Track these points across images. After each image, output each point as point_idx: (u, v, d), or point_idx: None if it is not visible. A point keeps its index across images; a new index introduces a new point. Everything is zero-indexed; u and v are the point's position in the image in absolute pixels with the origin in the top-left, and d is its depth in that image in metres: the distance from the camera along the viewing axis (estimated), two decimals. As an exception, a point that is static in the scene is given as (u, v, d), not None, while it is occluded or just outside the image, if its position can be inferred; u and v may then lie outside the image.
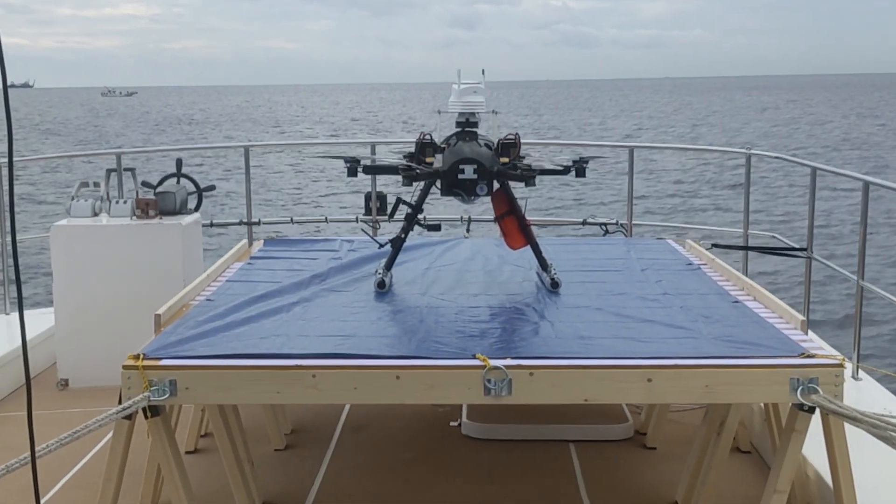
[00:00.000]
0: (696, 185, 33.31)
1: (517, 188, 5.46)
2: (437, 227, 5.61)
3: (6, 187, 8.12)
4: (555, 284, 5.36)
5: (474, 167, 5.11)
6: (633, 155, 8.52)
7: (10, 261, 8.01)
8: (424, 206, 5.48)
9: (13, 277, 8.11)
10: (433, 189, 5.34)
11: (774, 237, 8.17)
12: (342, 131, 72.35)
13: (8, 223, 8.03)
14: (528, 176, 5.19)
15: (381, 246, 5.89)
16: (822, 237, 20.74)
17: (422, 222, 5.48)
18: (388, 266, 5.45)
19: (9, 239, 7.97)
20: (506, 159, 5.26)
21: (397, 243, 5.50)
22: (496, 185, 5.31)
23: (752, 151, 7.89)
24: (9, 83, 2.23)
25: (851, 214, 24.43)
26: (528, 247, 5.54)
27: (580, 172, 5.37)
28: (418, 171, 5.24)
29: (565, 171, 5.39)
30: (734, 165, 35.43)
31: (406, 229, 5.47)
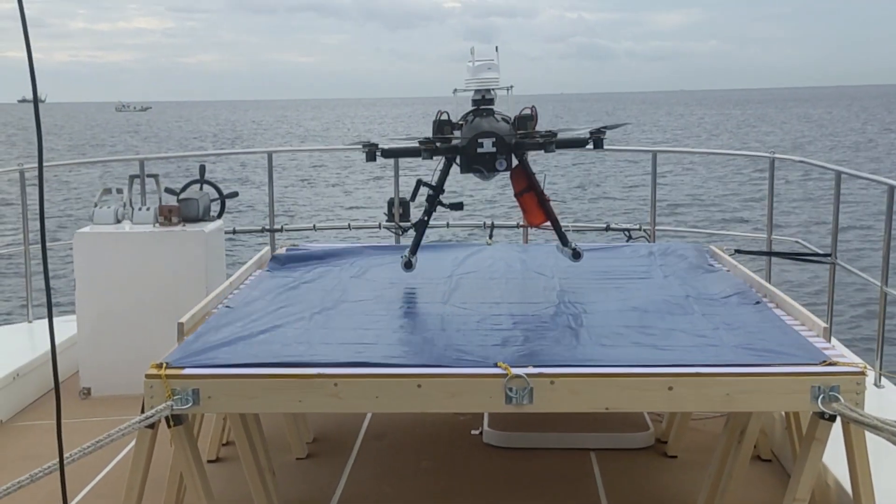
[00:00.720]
0: (720, 189, 33.18)
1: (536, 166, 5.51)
2: (459, 206, 5.65)
3: (25, 196, 8.20)
4: (577, 255, 5.46)
5: (493, 140, 5.18)
6: (655, 160, 8.50)
7: (34, 268, 8.09)
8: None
9: (36, 286, 8.17)
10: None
11: (798, 242, 8.13)
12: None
13: (25, 232, 8.14)
14: (548, 143, 5.23)
15: (405, 231, 5.91)
16: (846, 242, 20.61)
17: (444, 203, 5.51)
18: (414, 249, 5.52)
19: (32, 248, 8.03)
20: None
21: (421, 227, 5.56)
22: (515, 161, 5.35)
23: (776, 156, 7.85)
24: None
25: (877, 220, 24.27)
26: (554, 248, 5.53)
27: (598, 144, 5.42)
28: (437, 145, 5.28)
29: (584, 142, 5.45)
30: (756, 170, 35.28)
31: (429, 211, 5.52)
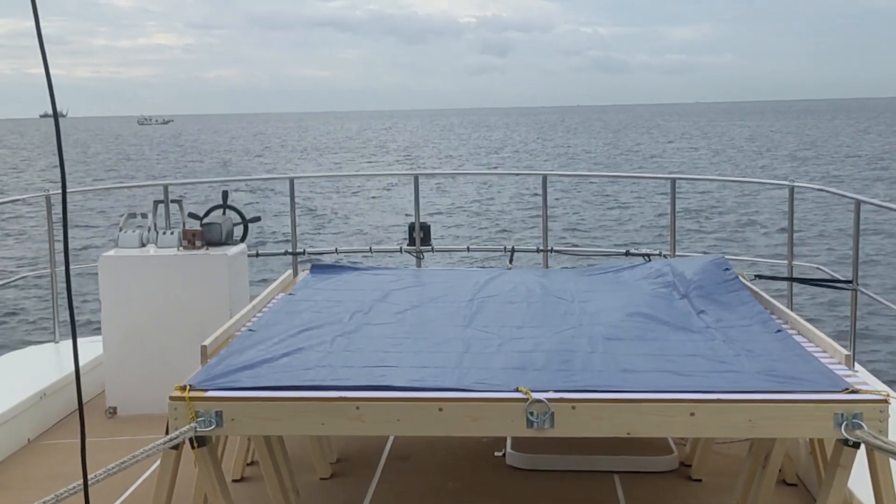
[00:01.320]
0: (740, 215, 33.09)
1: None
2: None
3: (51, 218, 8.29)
4: None
5: None
6: (674, 186, 8.54)
7: (61, 290, 8.18)
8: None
9: (62, 308, 8.25)
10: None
11: (819, 268, 8.13)
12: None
13: (51, 255, 8.23)
14: None
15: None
16: (867, 269, 20.53)
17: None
18: None
19: (58, 269, 8.13)
20: None
21: None
22: None
23: (795, 184, 7.86)
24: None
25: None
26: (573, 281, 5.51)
27: None
28: None
29: None
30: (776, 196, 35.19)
31: None
